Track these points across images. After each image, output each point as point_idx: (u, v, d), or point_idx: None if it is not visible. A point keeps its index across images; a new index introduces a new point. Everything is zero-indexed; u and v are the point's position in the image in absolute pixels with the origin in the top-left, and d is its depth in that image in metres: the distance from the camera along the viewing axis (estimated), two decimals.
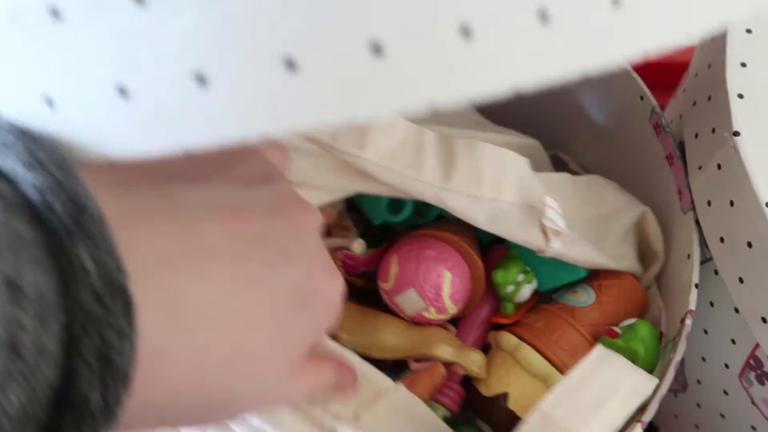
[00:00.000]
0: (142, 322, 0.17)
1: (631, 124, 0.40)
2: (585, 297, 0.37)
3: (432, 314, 0.36)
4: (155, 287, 0.18)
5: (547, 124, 0.41)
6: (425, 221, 0.39)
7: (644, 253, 0.39)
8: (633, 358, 0.34)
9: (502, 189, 0.33)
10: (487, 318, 0.39)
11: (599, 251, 0.37)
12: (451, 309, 0.36)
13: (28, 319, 0.15)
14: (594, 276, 0.38)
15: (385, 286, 0.36)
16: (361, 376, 0.31)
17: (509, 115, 0.42)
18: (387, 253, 0.37)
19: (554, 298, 0.38)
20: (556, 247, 0.34)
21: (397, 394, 0.32)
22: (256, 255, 0.21)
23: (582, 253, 0.36)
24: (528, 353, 0.35)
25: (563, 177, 0.39)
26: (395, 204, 0.38)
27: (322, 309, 0.24)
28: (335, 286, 0.24)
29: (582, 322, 0.36)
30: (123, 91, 0.15)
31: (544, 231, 0.34)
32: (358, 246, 0.37)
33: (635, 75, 0.39)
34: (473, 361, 0.35)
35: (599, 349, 0.32)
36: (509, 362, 0.36)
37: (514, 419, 0.35)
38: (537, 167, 0.36)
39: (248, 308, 0.21)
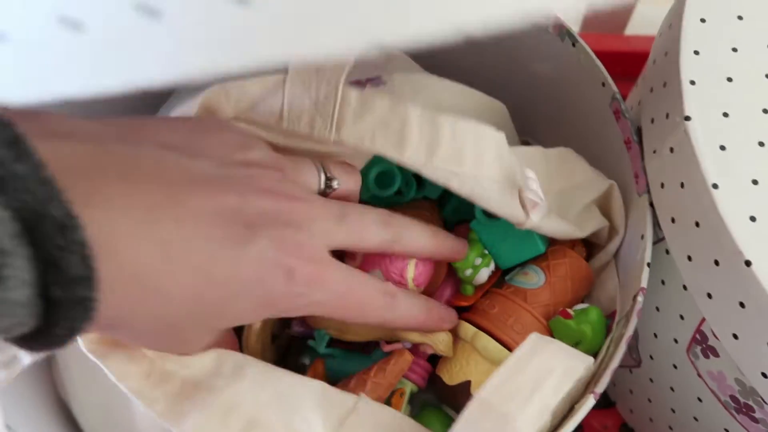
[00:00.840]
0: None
1: (592, 110, 0.41)
2: (536, 279, 0.38)
3: None
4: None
5: (509, 108, 0.42)
6: (403, 200, 0.40)
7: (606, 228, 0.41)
8: (581, 339, 0.35)
9: (482, 165, 0.34)
10: (449, 300, 0.40)
11: (567, 222, 0.38)
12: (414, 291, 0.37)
13: None
14: (543, 257, 0.39)
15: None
16: (324, 399, 0.31)
17: None
18: None
19: (507, 281, 0.39)
20: (535, 220, 0.35)
21: (358, 411, 0.32)
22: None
23: (554, 224, 0.37)
24: (485, 341, 0.36)
25: (534, 149, 0.40)
26: (382, 179, 0.38)
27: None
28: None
29: (534, 304, 0.37)
30: (71, 24, 0.15)
31: (523, 204, 0.35)
32: None
33: (598, 62, 0.40)
34: (440, 341, 0.36)
35: (533, 337, 0.33)
36: (468, 351, 0.37)
37: None
38: (503, 130, 0.37)
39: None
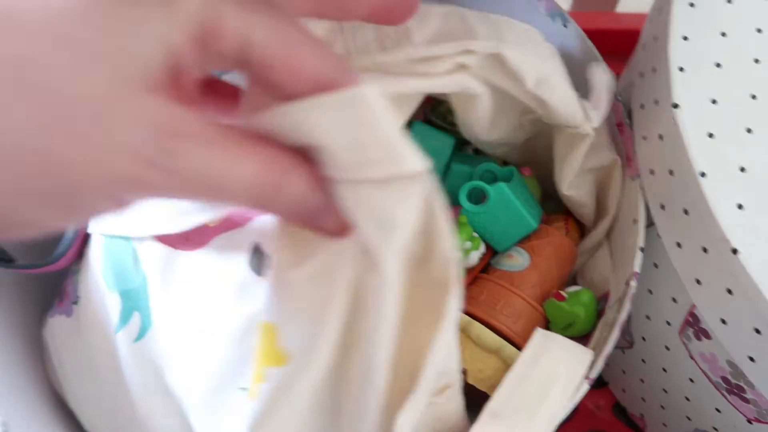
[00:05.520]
0: None
1: (585, 90, 0.41)
2: (520, 260, 0.39)
3: None
4: None
5: None
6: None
7: (601, 205, 0.41)
8: (574, 320, 0.36)
9: (546, 61, 0.35)
10: None
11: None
12: None
13: None
14: (526, 239, 0.39)
15: None
16: None
17: None
18: None
19: (492, 265, 0.40)
20: (595, 119, 0.36)
21: None
22: None
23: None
24: (478, 330, 0.36)
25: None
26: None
27: None
28: None
29: (521, 286, 0.38)
30: None
31: (584, 107, 0.35)
32: None
33: (590, 44, 0.39)
34: None
35: (538, 337, 0.33)
36: (463, 340, 0.37)
37: (475, 391, 0.37)
38: None
39: None
